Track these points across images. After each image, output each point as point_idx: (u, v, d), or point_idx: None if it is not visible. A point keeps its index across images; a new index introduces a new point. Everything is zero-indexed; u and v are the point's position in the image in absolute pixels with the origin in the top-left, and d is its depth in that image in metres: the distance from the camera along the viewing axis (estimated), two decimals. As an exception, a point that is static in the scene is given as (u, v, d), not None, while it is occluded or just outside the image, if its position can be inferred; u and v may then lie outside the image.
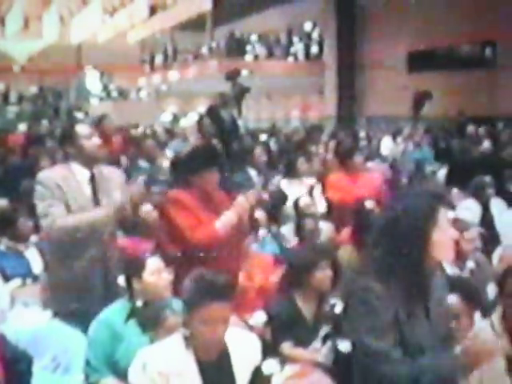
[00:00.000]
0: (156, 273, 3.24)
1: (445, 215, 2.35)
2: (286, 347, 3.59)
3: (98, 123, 3.81)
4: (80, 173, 3.75)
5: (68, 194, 3.66)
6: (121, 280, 3.40)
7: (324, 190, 6.45)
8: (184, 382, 2.52)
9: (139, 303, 3.21)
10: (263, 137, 13.15)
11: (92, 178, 3.77)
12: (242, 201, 3.95)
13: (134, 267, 3.29)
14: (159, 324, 3.11)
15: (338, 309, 3.56)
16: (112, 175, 3.93)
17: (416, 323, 2.32)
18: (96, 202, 3.75)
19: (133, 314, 3.19)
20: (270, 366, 3.15)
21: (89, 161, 3.76)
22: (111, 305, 3.29)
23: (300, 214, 5.74)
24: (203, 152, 4.13)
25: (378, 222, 2.46)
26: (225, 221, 3.86)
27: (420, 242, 2.29)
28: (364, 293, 2.30)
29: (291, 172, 6.73)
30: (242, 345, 2.65)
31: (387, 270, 2.28)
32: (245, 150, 8.94)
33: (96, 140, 3.78)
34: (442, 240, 2.32)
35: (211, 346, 2.53)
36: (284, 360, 3.42)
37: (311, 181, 6.61)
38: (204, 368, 2.53)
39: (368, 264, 2.40)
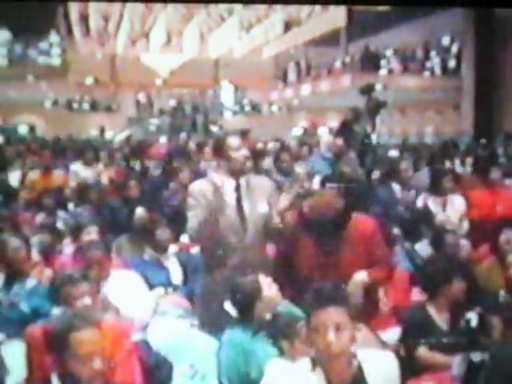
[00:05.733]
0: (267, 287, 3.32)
1: None
2: (423, 351, 3.60)
3: (242, 137, 3.96)
4: (226, 183, 3.82)
5: (213, 204, 3.74)
6: None
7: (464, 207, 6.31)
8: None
9: (268, 316, 3.24)
10: (394, 152, 12.94)
11: (237, 188, 3.87)
12: None
13: None
14: (293, 335, 3.10)
15: (474, 322, 3.51)
16: (260, 185, 4.00)
17: None
18: (240, 211, 3.84)
19: (259, 327, 3.21)
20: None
21: (236, 171, 3.87)
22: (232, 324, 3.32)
23: (440, 230, 5.63)
24: None
25: None
26: None
27: None
28: None
29: (434, 188, 6.62)
30: (379, 365, 2.55)
31: None
32: (388, 164, 8.88)
33: (245, 152, 3.88)
34: None
35: (333, 360, 2.43)
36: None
37: (453, 197, 6.46)
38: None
39: None
